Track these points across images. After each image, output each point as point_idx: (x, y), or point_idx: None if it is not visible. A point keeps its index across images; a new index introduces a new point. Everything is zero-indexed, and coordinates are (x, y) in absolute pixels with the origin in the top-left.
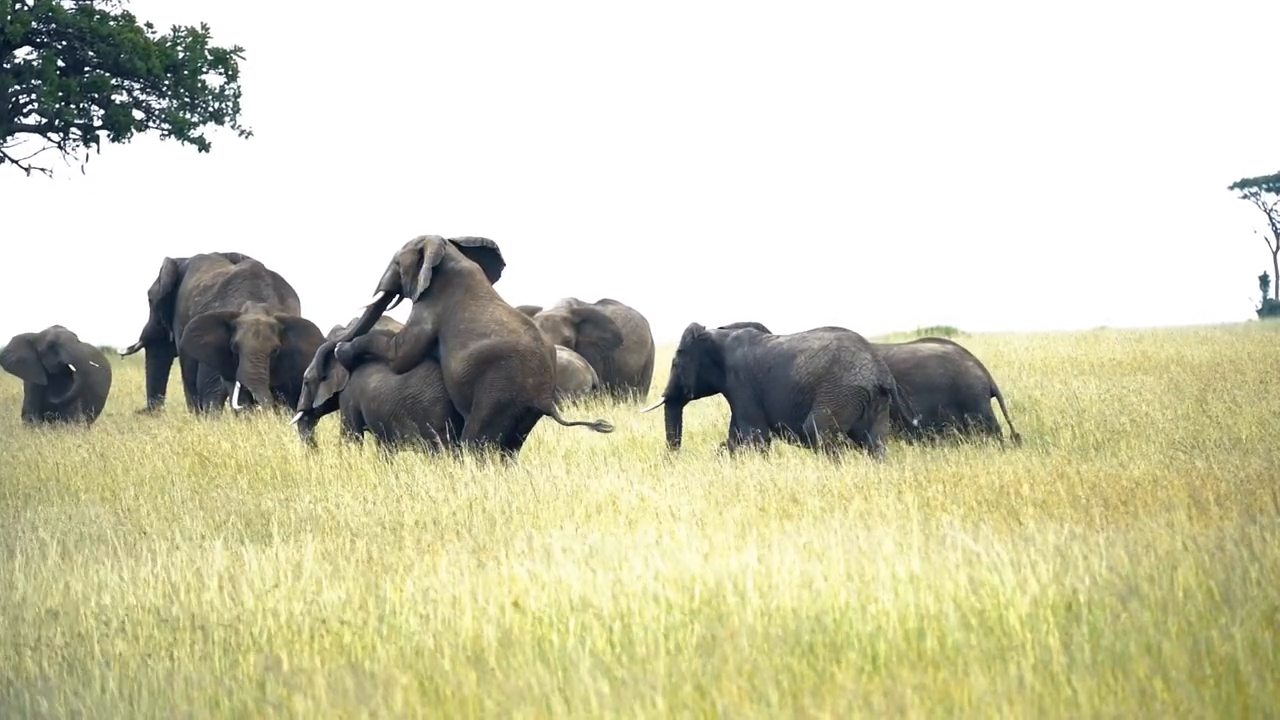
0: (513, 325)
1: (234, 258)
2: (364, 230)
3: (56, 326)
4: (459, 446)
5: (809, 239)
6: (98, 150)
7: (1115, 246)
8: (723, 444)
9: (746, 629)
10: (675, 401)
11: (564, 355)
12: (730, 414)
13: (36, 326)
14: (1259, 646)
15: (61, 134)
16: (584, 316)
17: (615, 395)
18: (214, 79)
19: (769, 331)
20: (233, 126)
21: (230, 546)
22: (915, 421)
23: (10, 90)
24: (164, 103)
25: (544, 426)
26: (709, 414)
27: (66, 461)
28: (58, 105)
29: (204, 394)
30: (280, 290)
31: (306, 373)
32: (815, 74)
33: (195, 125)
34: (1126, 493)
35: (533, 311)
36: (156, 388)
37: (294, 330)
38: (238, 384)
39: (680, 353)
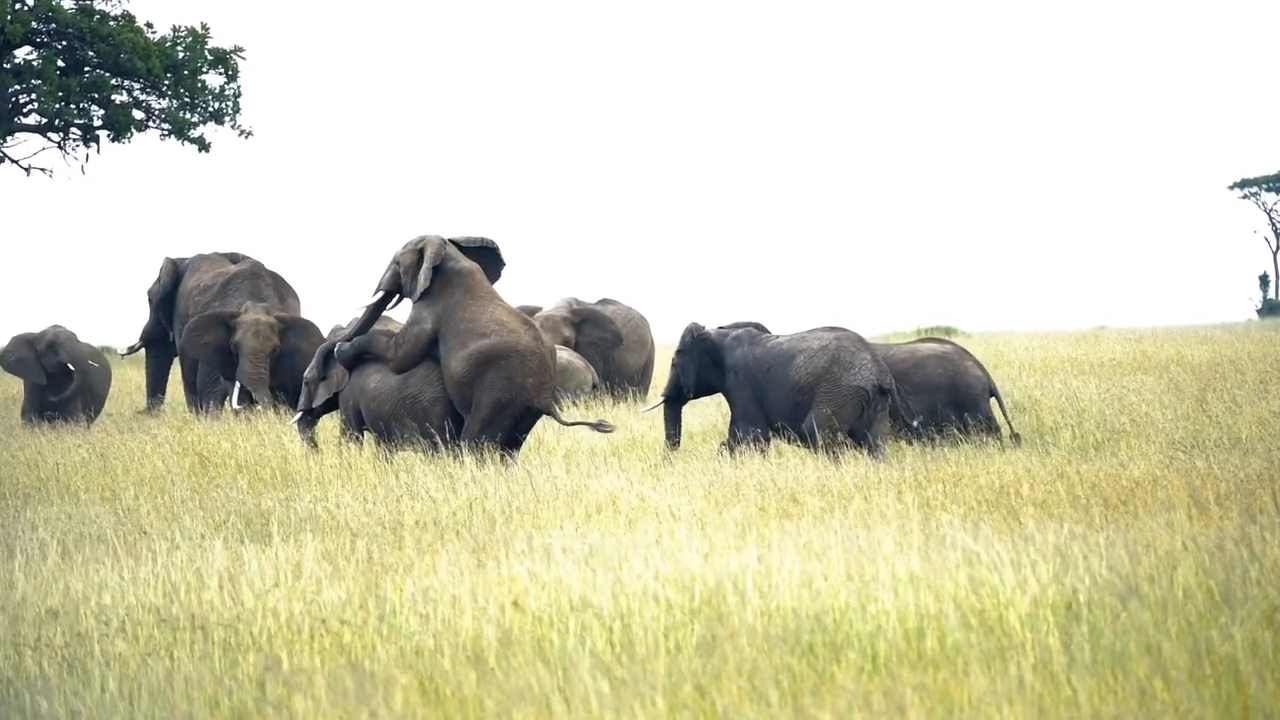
0: (513, 325)
1: (234, 258)
2: (364, 230)
3: (55, 326)
4: (459, 446)
5: (809, 239)
6: (98, 150)
7: (1115, 246)
8: (722, 444)
9: (746, 629)
10: (675, 401)
11: (564, 355)
12: (729, 414)
13: (37, 326)
14: (1259, 646)
15: (61, 134)
16: (584, 316)
17: (615, 395)
18: (214, 79)
19: (768, 331)
20: (233, 126)
21: (230, 546)
22: (915, 423)
23: (10, 90)
24: (164, 103)
25: (544, 426)
26: (709, 414)
27: (66, 461)
28: (58, 105)
29: (204, 394)
30: (280, 290)
31: (306, 373)
32: (815, 74)
33: (195, 125)
34: (1126, 493)
35: (533, 311)
36: (156, 388)
37: (294, 330)
38: (237, 384)
39: (680, 352)
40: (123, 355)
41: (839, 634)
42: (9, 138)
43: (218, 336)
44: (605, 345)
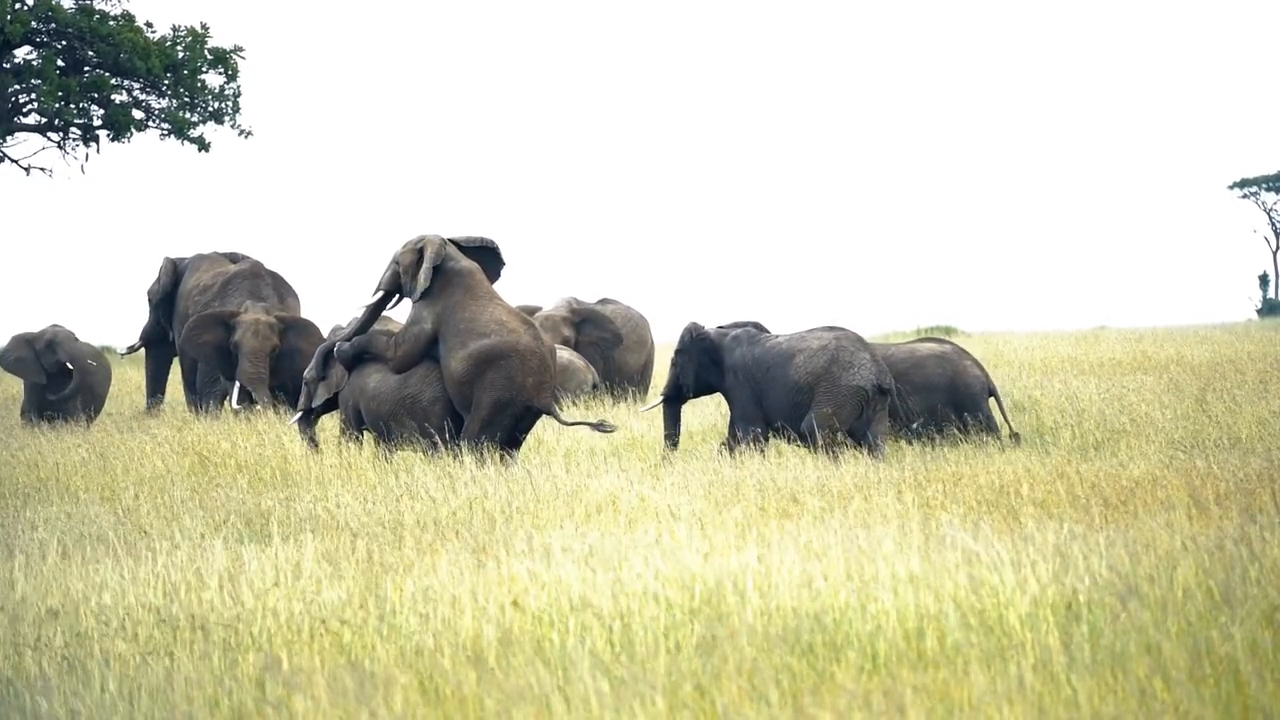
0: (512, 325)
1: (234, 257)
2: (364, 230)
3: (54, 325)
4: (459, 446)
5: (809, 239)
6: (97, 150)
7: (1115, 246)
8: (722, 444)
9: (746, 628)
10: (674, 400)
11: (565, 355)
12: (729, 414)
13: (37, 326)
14: (1259, 646)
15: (61, 134)
16: (584, 316)
17: (615, 395)
18: (214, 79)
19: (768, 331)
20: (232, 126)
21: (230, 546)
22: (915, 426)
23: (10, 90)
24: (164, 102)
25: (544, 426)
26: (709, 414)
27: (66, 461)
28: (57, 105)
29: (204, 394)
30: (280, 290)
31: (306, 372)
32: (815, 74)
33: (195, 125)
34: (1126, 492)
35: (533, 311)
36: (156, 387)
37: (293, 330)
38: (237, 383)
39: (679, 352)
40: (122, 355)
41: (839, 634)
42: (9, 137)
43: (217, 336)
44: (605, 345)
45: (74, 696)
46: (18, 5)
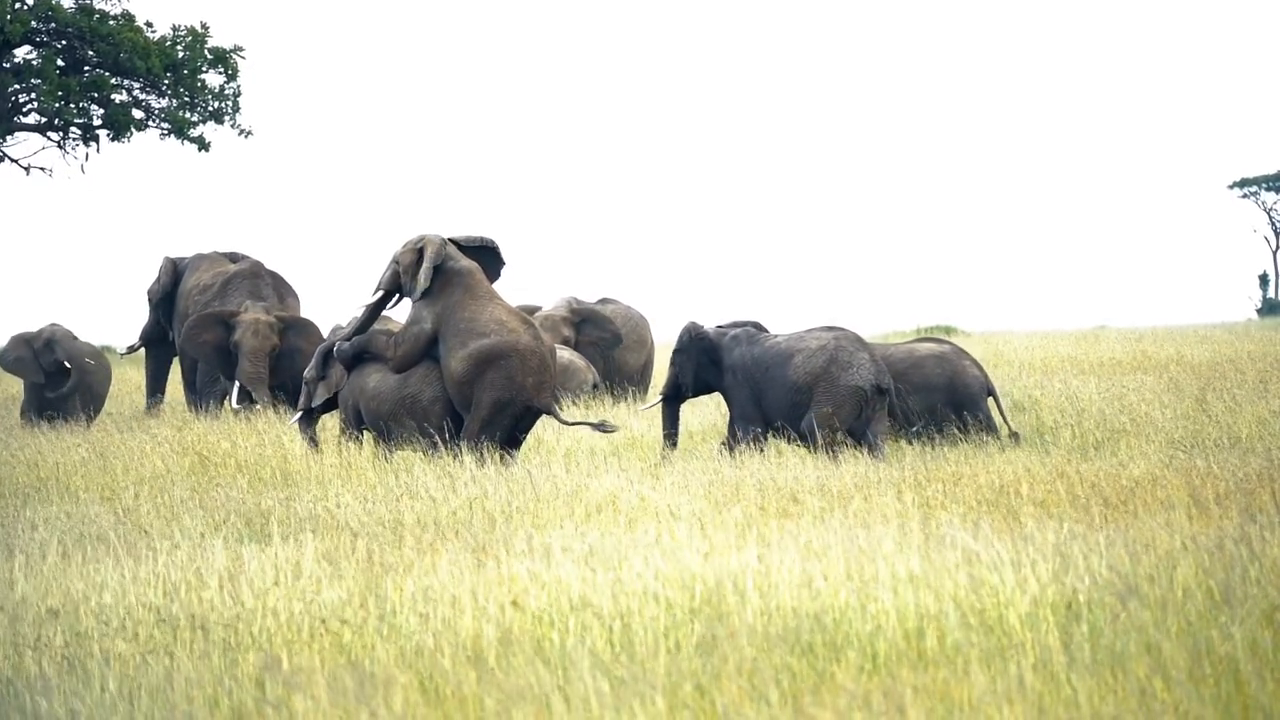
0: (512, 324)
1: (234, 257)
2: (364, 230)
3: (53, 324)
4: (458, 446)
5: (809, 239)
6: (97, 149)
7: (1115, 246)
8: (722, 443)
9: (746, 628)
10: (673, 400)
11: (565, 354)
12: (728, 413)
13: (36, 326)
14: (1259, 646)
15: (61, 133)
16: (584, 316)
17: (615, 395)
18: (214, 78)
19: (767, 331)
20: (232, 126)
21: (230, 546)
22: (915, 429)
23: (10, 89)
24: (164, 102)
25: (544, 426)
26: (709, 413)
27: (66, 461)
28: (57, 104)
29: (203, 393)
30: (280, 290)
31: (306, 372)
32: (815, 74)
33: (195, 124)
34: (1126, 492)
35: (533, 311)
36: (156, 387)
37: (293, 329)
38: (237, 383)
39: (677, 351)
40: (122, 355)
41: (839, 634)
42: (9, 137)
43: (217, 335)
44: (605, 345)
45: (74, 696)
46: (18, 5)
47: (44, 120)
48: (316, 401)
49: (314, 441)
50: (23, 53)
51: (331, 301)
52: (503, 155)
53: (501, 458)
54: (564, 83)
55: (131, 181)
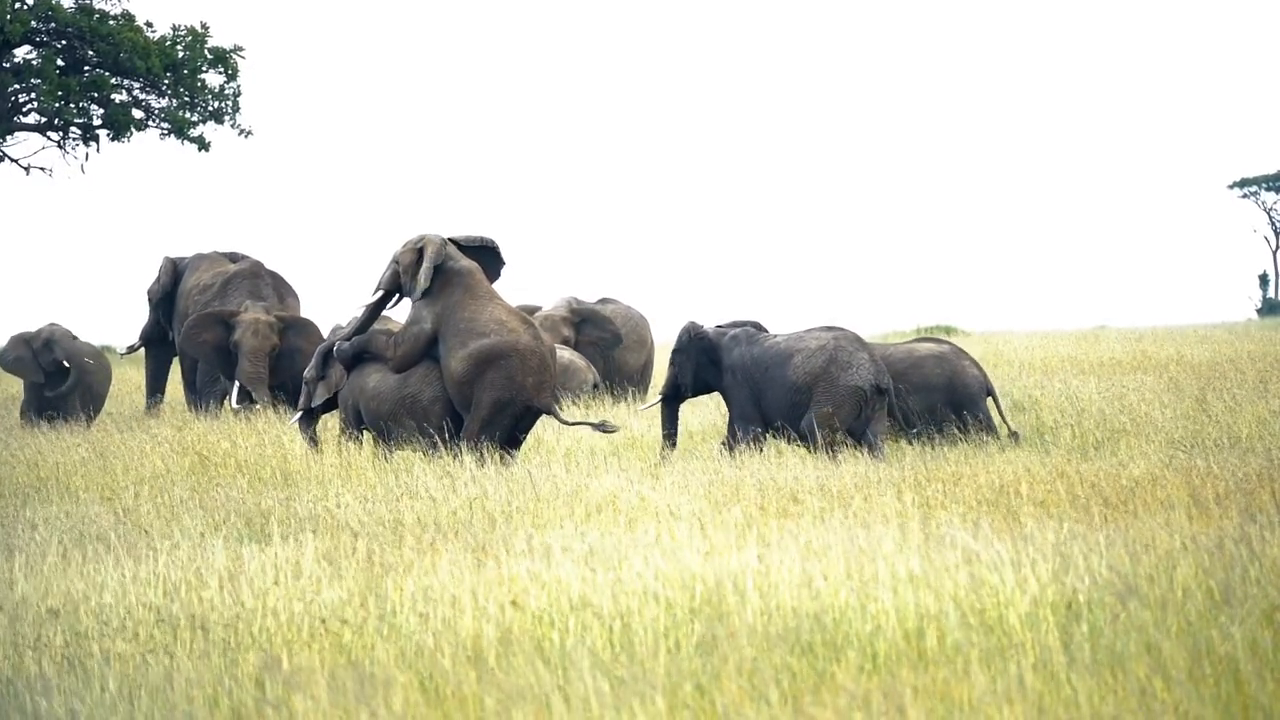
0: (512, 324)
1: (234, 257)
2: (364, 230)
3: (52, 324)
4: (458, 446)
5: (809, 239)
6: (97, 149)
7: (1115, 246)
8: (722, 443)
9: (746, 628)
10: (672, 400)
11: (565, 354)
12: (728, 414)
13: (36, 326)
14: (1259, 646)
15: (61, 133)
16: (583, 316)
17: (615, 395)
18: (214, 78)
19: (766, 331)
20: (232, 126)
21: (230, 546)
22: (915, 431)
23: (10, 89)
24: (164, 102)
25: (544, 426)
26: (709, 413)
27: (66, 460)
28: (57, 104)
29: (203, 393)
30: (280, 289)
31: (306, 372)
32: (815, 74)
33: (195, 124)
34: (1126, 492)
35: (533, 311)
36: (156, 387)
37: (293, 329)
38: (237, 383)
39: (677, 351)
40: (122, 355)
41: (839, 634)
42: (9, 137)
43: (216, 335)
44: (605, 345)
45: (74, 696)
46: (18, 5)
47: (44, 120)
48: (316, 401)
49: (314, 441)
50: (23, 53)
51: (331, 301)
52: (503, 155)
53: (501, 458)
54: (564, 83)
55: (131, 181)
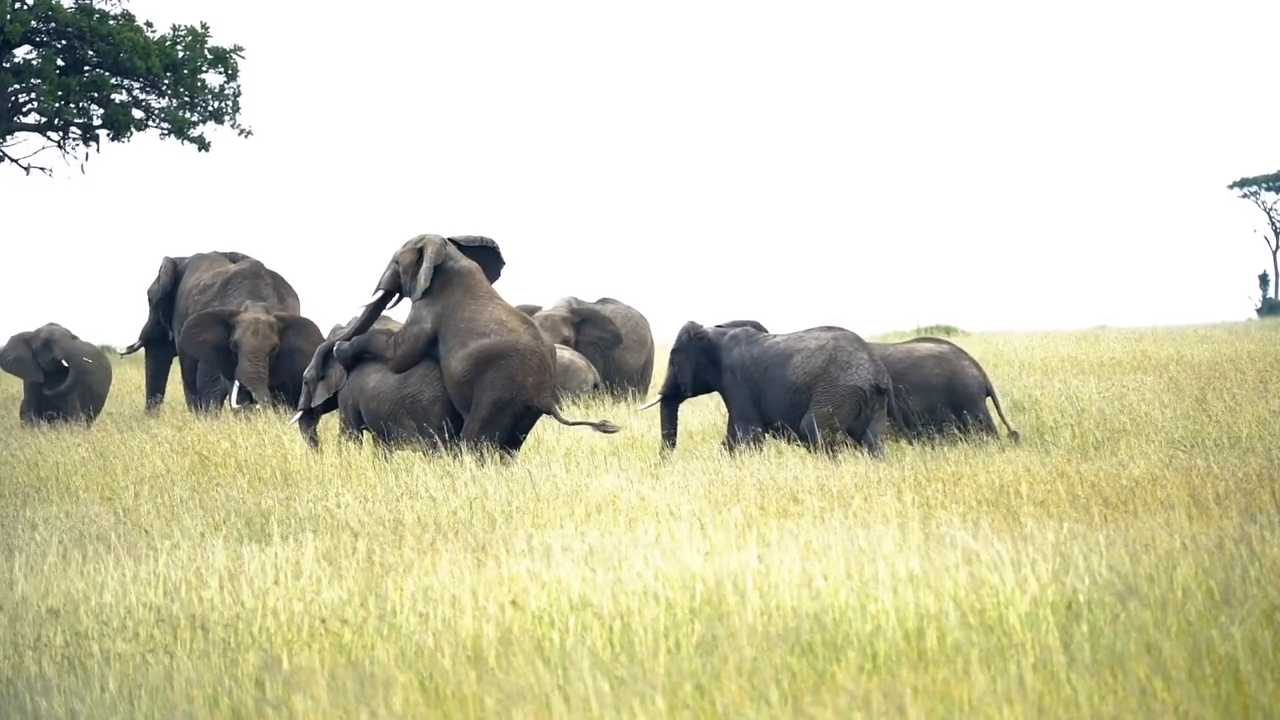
0: (512, 324)
1: (234, 257)
2: (364, 230)
3: (51, 324)
4: (458, 446)
5: (808, 239)
6: (97, 149)
7: (1115, 246)
8: (722, 443)
9: (746, 628)
10: (671, 399)
11: (566, 354)
12: (727, 413)
13: (36, 326)
14: (1259, 646)
15: (61, 133)
16: (583, 316)
17: (615, 395)
18: (214, 78)
19: (766, 330)
20: (232, 126)
21: (230, 546)
22: (915, 431)
23: (10, 89)
24: (164, 102)
25: (544, 426)
26: (708, 413)
27: (66, 460)
28: (57, 104)
29: (203, 393)
30: (280, 289)
31: (306, 372)
32: (815, 74)
33: (195, 124)
34: (1126, 492)
35: (533, 311)
36: (156, 387)
37: (293, 329)
38: (237, 383)
39: (676, 351)
40: (122, 355)
41: (839, 634)
42: (9, 137)
43: (216, 335)
44: (605, 345)
45: (74, 696)
46: (18, 5)
47: (44, 120)
48: (316, 401)
49: (314, 441)
50: (23, 53)
51: (331, 301)
52: (503, 155)
53: (501, 458)
54: (564, 83)
55: (131, 181)
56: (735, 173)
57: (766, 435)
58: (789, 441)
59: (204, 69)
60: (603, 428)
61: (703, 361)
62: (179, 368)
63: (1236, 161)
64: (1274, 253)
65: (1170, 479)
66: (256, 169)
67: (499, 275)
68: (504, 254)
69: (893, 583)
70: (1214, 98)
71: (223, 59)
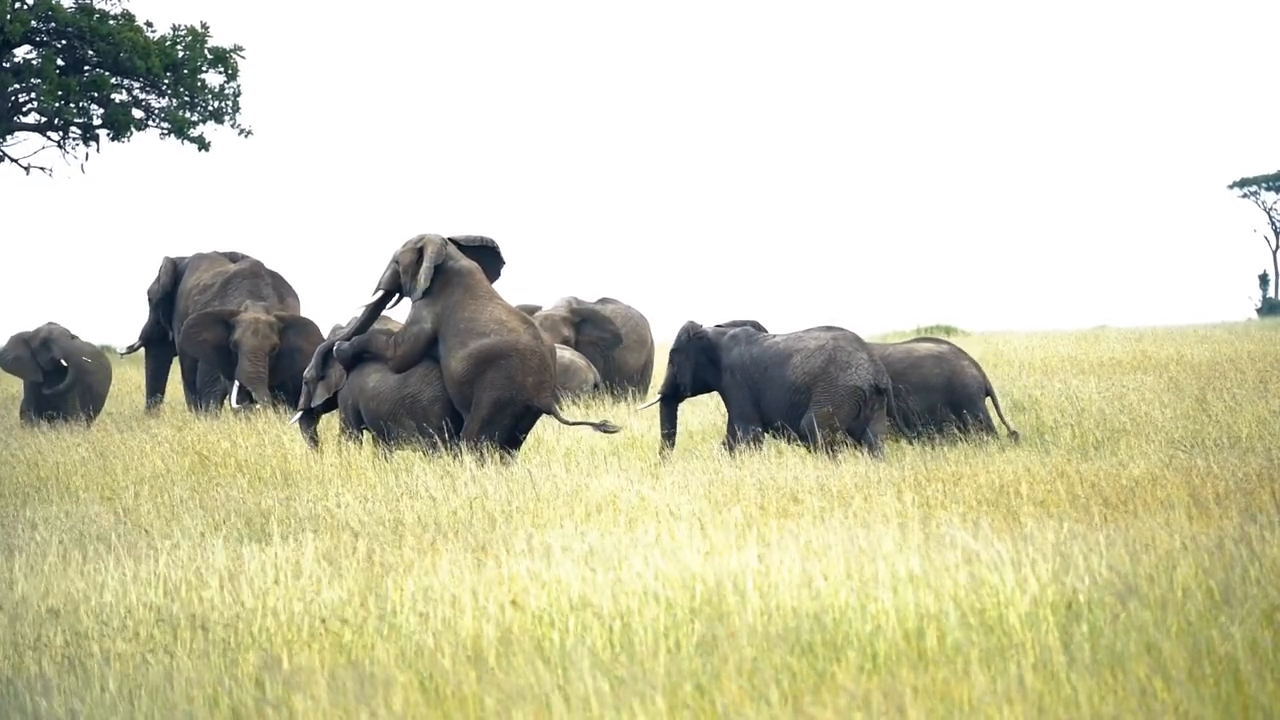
0: (512, 324)
1: (234, 257)
2: (364, 230)
3: (50, 323)
4: (458, 446)
5: (808, 238)
6: (97, 149)
7: (1115, 246)
8: (722, 443)
9: (746, 628)
10: (671, 399)
11: (566, 354)
12: (728, 413)
13: (35, 326)
14: (1259, 646)
15: (61, 133)
16: (583, 316)
17: (615, 395)
18: (213, 78)
19: (765, 330)
20: (232, 125)
21: (230, 545)
22: (915, 432)
23: (10, 89)
24: (163, 102)
25: (544, 426)
26: (708, 413)
27: (66, 460)
28: (57, 104)
29: (203, 393)
30: (280, 289)
31: (306, 372)
32: (815, 74)
33: (195, 124)
34: (1126, 492)
35: (533, 311)
36: (155, 387)
37: (293, 329)
38: (236, 382)
39: (676, 351)
40: (122, 355)
41: (839, 634)
42: (9, 137)
43: (216, 334)
44: (605, 345)
45: (74, 696)
46: (18, 5)
47: (44, 120)
48: (316, 401)
49: (314, 441)
50: (23, 52)
51: (331, 301)
52: (503, 155)
53: (501, 458)
54: (563, 83)
55: (131, 181)
56: (735, 173)
57: (766, 435)
58: (789, 441)
59: (204, 69)
60: (603, 428)
61: (702, 361)
62: (179, 368)
63: (1236, 161)
64: (1274, 253)
65: (1170, 479)
66: (256, 169)
67: (499, 275)
68: (504, 254)
69: (893, 583)
70: (1214, 98)
71: (223, 59)
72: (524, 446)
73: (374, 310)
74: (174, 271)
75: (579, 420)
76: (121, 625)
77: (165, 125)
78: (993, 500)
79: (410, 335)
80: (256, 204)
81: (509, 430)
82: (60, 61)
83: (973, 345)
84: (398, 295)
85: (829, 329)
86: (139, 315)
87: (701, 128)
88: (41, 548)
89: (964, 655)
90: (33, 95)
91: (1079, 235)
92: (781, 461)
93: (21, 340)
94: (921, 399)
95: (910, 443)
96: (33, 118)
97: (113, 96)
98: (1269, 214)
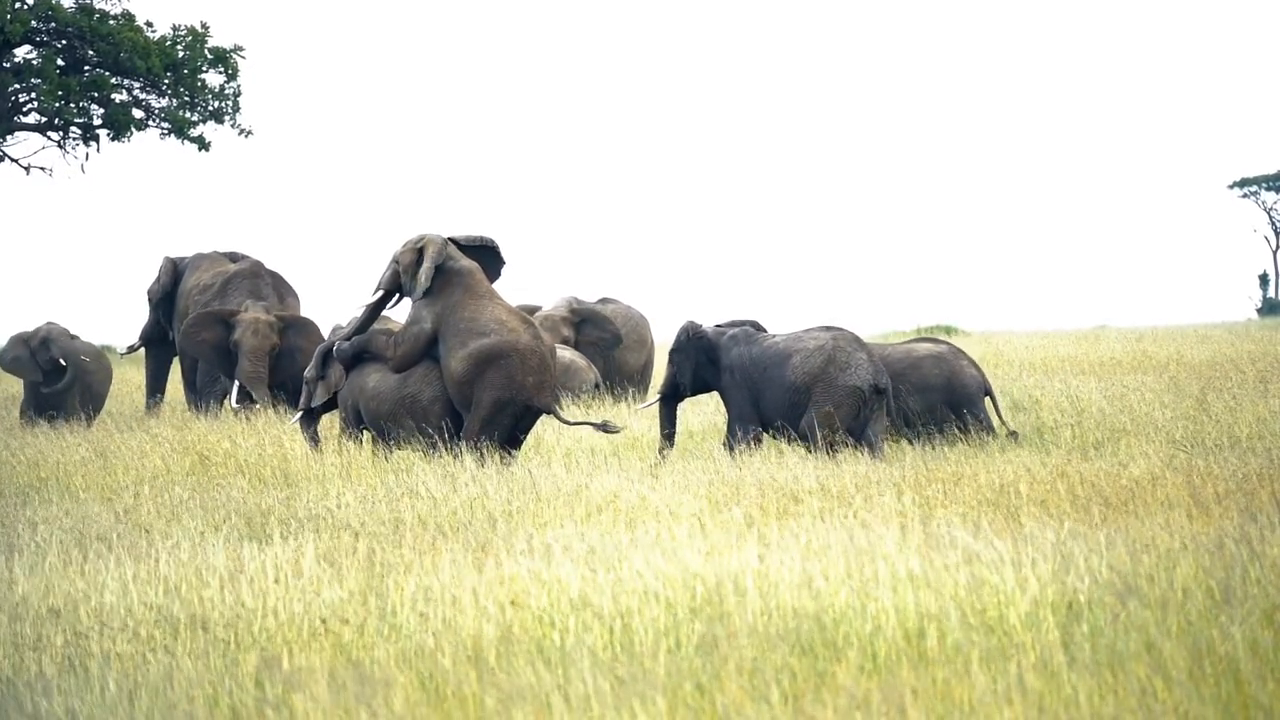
0: (512, 324)
1: (234, 257)
2: (364, 230)
3: (49, 323)
4: (458, 446)
5: (808, 238)
6: (97, 149)
7: (1115, 246)
8: (722, 443)
9: (746, 628)
10: (670, 399)
11: (566, 354)
12: (727, 413)
13: (35, 326)
14: (1259, 646)
15: (61, 133)
16: (584, 316)
17: (615, 395)
18: (214, 78)
19: (765, 330)
20: (232, 125)
21: (230, 546)
22: (915, 432)
23: (10, 89)
24: (164, 102)
25: (544, 426)
26: (709, 413)
27: (67, 460)
28: (57, 104)
29: (204, 393)
30: (280, 289)
31: (306, 372)
32: (815, 74)
33: (195, 124)
34: (1126, 492)
35: (533, 311)
36: (156, 387)
37: (293, 329)
38: (237, 382)
39: (675, 350)
40: (122, 355)
41: (839, 634)
42: (9, 137)
43: (216, 334)
44: (605, 345)
45: (74, 696)
46: (18, 5)
47: (44, 120)
48: (316, 401)
49: (314, 441)
50: (23, 52)
51: (331, 301)
52: (503, 155)
53: (501, 458)
54: (563, 83)
55: (131, 181)
56: (735, 173)
57: (766, 435)
58: (789, 441)
59: (204, 69)
60: (603, 428)
61: (702, 361)
62: (179, 368)
63: (1236, 161)
64: (1274, 253)
65: (1170, 479)
66: (256, 169)
67: (499, 275)
68: (504, 254)
69: (893, 583)
70: (1214, 98)
71: (223, 59)
72: (524, 446)
73: (374, 310)
74: (174, 271)
75: (579, 420)
76: (121, 625)
77: (165, 125)
78: (993, 500)
79: (410, 335)
80: (256, 204)
81: (509, 430)
82: (60, 61)
83: (973, 345)
84: (398, 295)
85: (828, 329)
86: (139, 315)
87: (701, 128)
88: (42, 548)
89: (964, 655)
90: (33, 95)
91: (1079, 235)
92: (781, 461)
93: (21, 340)
94: (921, 399)
95: (910, 443)
96: (33, 118)
97: (113, 96)
98: (1269, 214)
